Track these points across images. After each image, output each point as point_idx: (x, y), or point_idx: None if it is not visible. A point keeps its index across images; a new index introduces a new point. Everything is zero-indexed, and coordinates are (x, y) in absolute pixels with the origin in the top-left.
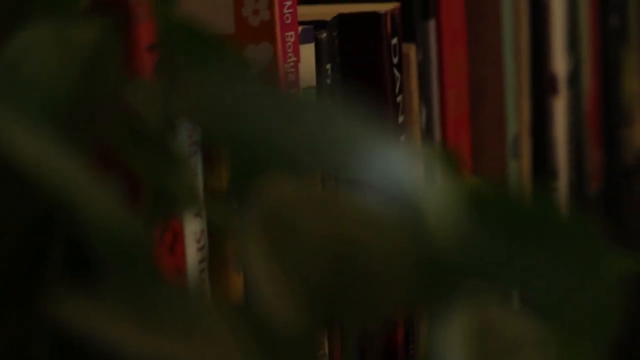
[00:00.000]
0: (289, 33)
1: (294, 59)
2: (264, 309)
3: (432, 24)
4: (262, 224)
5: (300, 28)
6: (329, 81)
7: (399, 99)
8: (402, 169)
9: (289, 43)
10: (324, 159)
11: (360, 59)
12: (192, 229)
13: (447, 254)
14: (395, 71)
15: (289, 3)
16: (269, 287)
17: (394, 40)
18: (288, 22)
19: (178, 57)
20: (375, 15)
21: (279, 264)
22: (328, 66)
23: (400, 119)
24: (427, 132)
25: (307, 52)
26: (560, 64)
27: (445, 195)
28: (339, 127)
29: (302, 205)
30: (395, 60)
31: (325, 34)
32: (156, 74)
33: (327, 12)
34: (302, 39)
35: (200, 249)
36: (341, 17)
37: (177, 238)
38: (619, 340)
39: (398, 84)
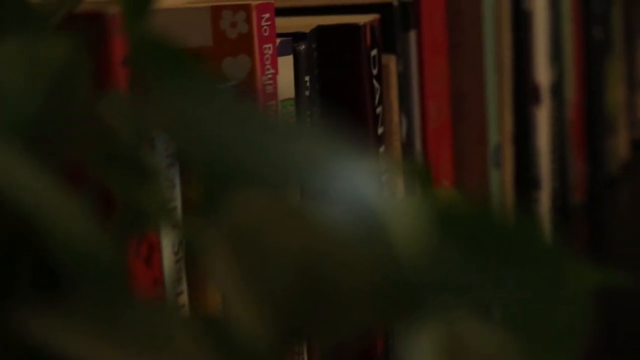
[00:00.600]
0: (267, 45)
1: (272, 71)
2: (232, 323)
3: (412, 35)
4: (231, 238)
5: (278, 40)
6: (307, 93)
7: (378, 110)
8: (370, 186)
9: (267, 55)
10: (289, 175)
11: (339, 71)
12: (169, 241)
13: (413, 269)
14: (375, 82)
15: (266, 15)
16: (237, 301)
17: (374, 52)
18: (266, 34)
19: (150, 72)
20: (354, 27)
21: (247, 278)
22: (307, 78)
23: (380, 130)
24: (408, 142)
25: (286, 64)
26: (543, 74)
27: (413, 210)
28: (307, 143)
29: (271, 219)
30: (374, 71)
31: (303, 46)
32: (130, 87)
33: (306, 24)
34: (281, 51)
35: (177, 261)
36: (320, 29)
37: (154, 250)
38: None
39: (378, 95)
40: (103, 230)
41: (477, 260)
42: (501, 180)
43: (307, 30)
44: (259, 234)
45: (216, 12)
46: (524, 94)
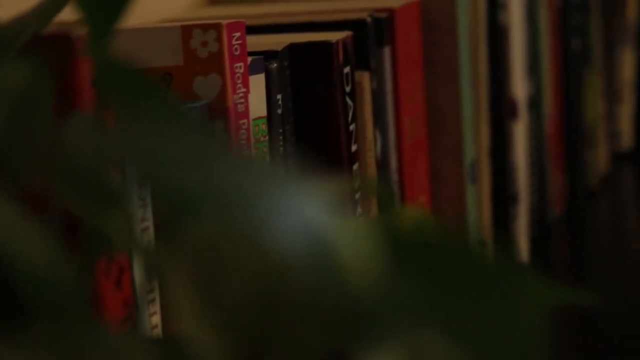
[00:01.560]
0: (238, 64)
1: (243, 89)
2: (192, 346)
3: (387, 51)
4: (189, 263)
5: (250, 59)
6: (279, 111)
7: (351, 127)
8: (322, 212)
9: (238, 74)
10: (240, 203)
11: (312, 89)
12: (140, 262)
13: (364, 295)
14: (348, 100)
15: (237, 34)
16: (196, 325)
17: (346, 69)
18: (237, 53)
19: (115, 96)
20: (326, 44)
21: (205, 302)
22: (279, 96)
23: (354, 147)
24: (383, 159)
25: (258, 82)
26: (520, 88)
27: (367, 235)
28: (261, 171)
29: (226, 246)
30: (347, 88)
31: (275, 64)
32: (96, 110)
33: (278, 41)
34: (252, 70)
35: (149, 282)
36: (292, 46)
37: (124, 271)
38: None
39: (351, 113)
40: (67, 256)
41: (429, 285)
42: (478, 196)
43: (279, 48)
44: (216, 259)
45: (187, 31)
46: (501, 109)
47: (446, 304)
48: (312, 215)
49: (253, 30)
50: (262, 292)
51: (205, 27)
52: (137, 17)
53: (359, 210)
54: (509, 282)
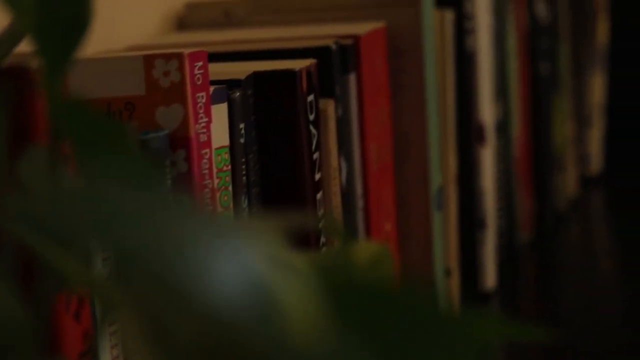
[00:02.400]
0: (200, 94)
1: (205, 119)
2: None
3: (352, 78)
4: (135, 315)
5: (212, 88)
6: (242, 140)
7: (315, 155)
8: (262, 263)
9: (200, 104)
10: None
11: (275, 117)
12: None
13: (306, 348)
14: (312, 128)
15: (199, 64)
16: None
17: (310, 97)
18: (199, 82)
19: (67, 132)
20: (290, 72)
21: (153, 347)
22: (242, 125)
23: (318, 175)
24: (348, 186)
25: (220, 111)
26: (487, 113)
27: (311, 286)
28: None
29: (168, 301)
30: (311, 117)
31: (238, 93)
32: (50, 145)
33: (241, 69)
34: (215, 99)
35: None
36: (256, 74)
37: (83, 304)
38: None
39: (315, 141)
40: (20, 295)
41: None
42: (445, 221)
43: (243, 77)
44: (158, 315)
45: (149, 60)
46: (469, 134)
47: (389, 353)
48: (253, 265)
49: (217, 57)
50: (205, 342)
51: (167, 57)
52: (103, 43)
53: (317, 246)
54: (457, 330)
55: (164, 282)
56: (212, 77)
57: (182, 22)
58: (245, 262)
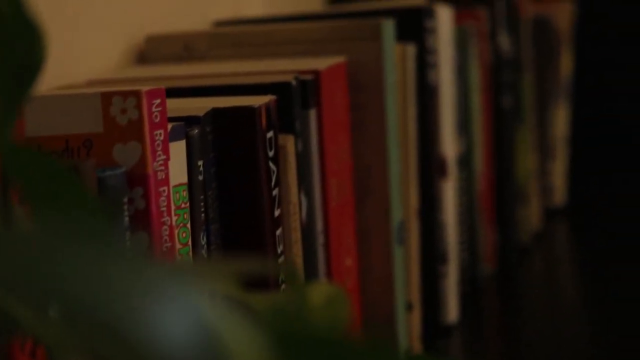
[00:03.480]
0: (158, 131)
1: (163, 157)
2: None
3: (312, 113)
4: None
5: (170, 125)
6: (201, 177)
7: (275, 192)
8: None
9: (158, 141)
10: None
11: (234, 154)
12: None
13: None
14: (271, 164)
15: (157, 101)
16: None
17: (270, 134)
18: (157, 120)
19: (19, 181)
20: (249, 109)
21: None
22: (200, 162)
23: (277, 212)
24: (309, 222)
25: (178, 148)
26: (449, 146)
27: (257, 332)
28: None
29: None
30: (271, 153)
31: (197, 130)
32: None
33: (201, 105)
34: (173, 136)
35: None
36: (215, 111)
37: (39, 343)
38: None
39: (274, 177)
40: None
41: None
42: (407, 256)
43: (202, 113)
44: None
45: (106, 98)
46: (430, 168)
47: None
48: (202, 313)
49: (176, 92)
50: None
51: (124, 95)
52: (63, 78)
53: (275, 287)
54: None
55: (113, 330)
56: (171, 113)
57: (143, 56)
58: (194, 309)
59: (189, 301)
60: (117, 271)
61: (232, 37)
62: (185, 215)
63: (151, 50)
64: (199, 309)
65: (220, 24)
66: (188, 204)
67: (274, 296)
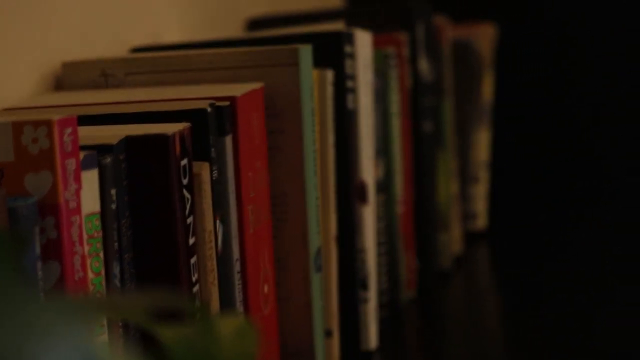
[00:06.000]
0: (70, 160)
1: (75, 186)
2: None
3: (228, 140)
4: None
5: (83, 153)
6: (114, 206)
7: (189, 220)
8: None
9: (69, 170)
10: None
11: (148, 182)
12: None
13: None
14: (185, 192)
15: (69, 130)
16: None
17: (184, 161)
18: (69, 149)
19: None
20: (163, 137)
21: None
22: (113, 191)
23: (192, 240)
24: (224, 250)
25: (91, 177)
26: (369, 172)
27: None
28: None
29: None
30: (185, 181)
31: (110, 158)
32: None
33: (114, 133)
34: (85, 165)
35: None
36: (128, 139)
37: None
38: None
39: (189, 205)
40: None
41: None
42: (326, 282)
43: (115, 141)
44: None
45: (17, 127)
46: (349, 194)
47: None
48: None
49: (91, 120)
50: None
51: (36, 124)
52: None
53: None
54: None
55: None
56: (84, 141)
57: (60, 82)
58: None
59: (78, 342)
60: (7, 312)
61: (149, 63)
62: (98, 245)
63: (68, 77)
64: (89, 350)
65: (137, 50)
66: (101, 233)
67: (183, 329)
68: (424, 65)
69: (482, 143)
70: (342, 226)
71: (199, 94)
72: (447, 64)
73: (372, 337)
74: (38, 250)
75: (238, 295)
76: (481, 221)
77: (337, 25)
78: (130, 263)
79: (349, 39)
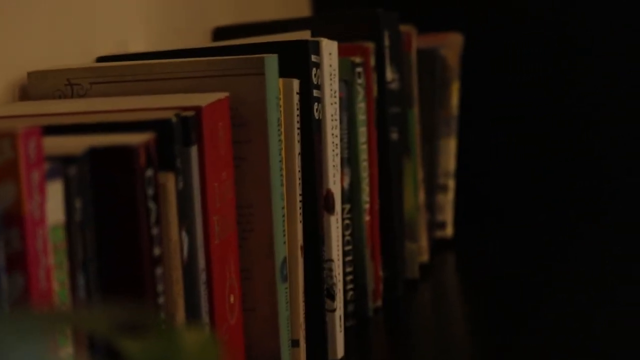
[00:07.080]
0: (35, 171)
1: (39, 197)
2: None
3: (194, 150)
4: None
5: (47, 164)
6: (79, 217)
7: (154, 230)
8: None
9: (34, 181)
10: None
11: (112, 193)
12: None
13: None
14: (150, 202)
15: (33, 141)
16: None
17: (149, 172)
18: (33, 160)
19: None
20: (127, 147)
21: None
22: (78, 202)
23: (157, 251)
24: (190, 260)
25: (55, 188)
26: (335, 181)
27: None
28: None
29: None
30: (150, 191)
31: (74, 169)
32: None
33: (78, 144)
34: (50, 176)
35: None
36: (92, 150)
37: None
38: None
39: (154, 216)
40: None
41: None
42: (292, 292)
43: (80, 152)
44: None
45: None
46: (316, 203)
47: None
48: None
49: (55, 130)
50: None
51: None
52: None
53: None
54: None
55: None
56: (49, 152)
57: (26, 92)
58: None
59: (41, 356)
60: None
61: (114, 72)
62: (63, 256)
63: (34, 86)
64: None
65: (103, 59)
66: (65, 244)
67: (147, 342)
68: (390, 74)
69: (450, 151)
70: (308, 236)
71: (164, 103)
72: (413, 72)
73: (339, 347)
74: (3, 262)
75: (204, 306)
76: (449, 230)
77: (304, 35)
78: (96, 274)
79: (315, 48)
